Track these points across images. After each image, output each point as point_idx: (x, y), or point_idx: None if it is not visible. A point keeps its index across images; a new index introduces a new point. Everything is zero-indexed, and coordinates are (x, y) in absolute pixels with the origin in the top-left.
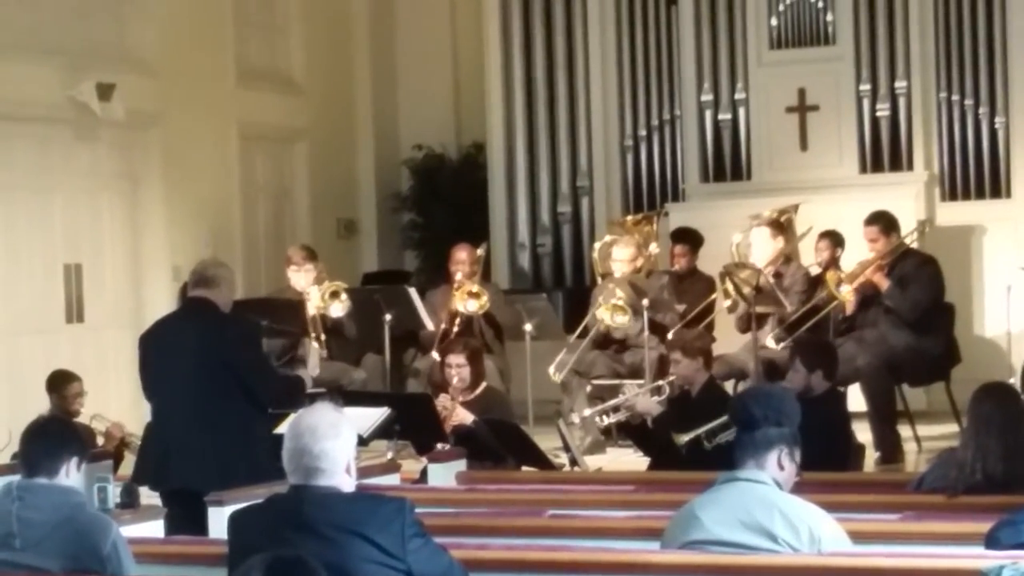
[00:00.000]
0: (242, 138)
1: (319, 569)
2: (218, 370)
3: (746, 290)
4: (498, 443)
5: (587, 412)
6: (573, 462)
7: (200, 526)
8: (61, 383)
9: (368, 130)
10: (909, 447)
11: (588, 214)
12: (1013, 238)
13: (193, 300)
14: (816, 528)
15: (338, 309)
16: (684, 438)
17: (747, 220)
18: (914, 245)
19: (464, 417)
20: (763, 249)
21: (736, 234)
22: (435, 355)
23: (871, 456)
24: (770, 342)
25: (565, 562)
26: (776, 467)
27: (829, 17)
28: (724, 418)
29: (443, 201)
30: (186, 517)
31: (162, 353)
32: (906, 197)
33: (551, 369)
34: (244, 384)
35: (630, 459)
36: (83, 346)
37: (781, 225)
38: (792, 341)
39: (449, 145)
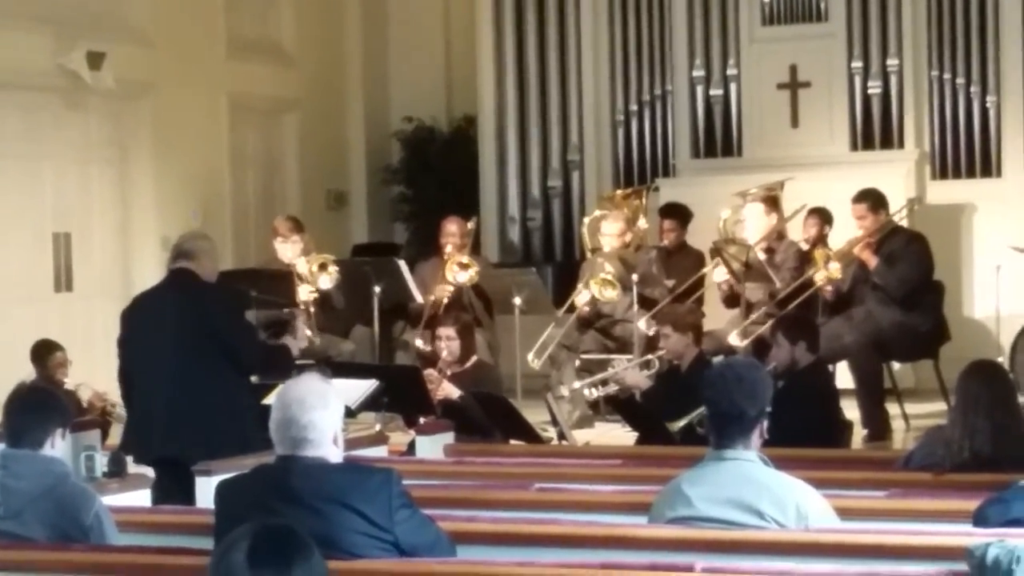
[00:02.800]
0: (232, 108)
1: (307, 539)
2: (202, 340)
3: (735, 265)
4: (486, 417)
5: (576, 385)
6: (561, 436)
7: (188, 496)
8: (44, 353)
9: (359, 102)
10: (897, 425)
11: (578, 188)
12: (1003, 217)
13: (175, 272)
14: (803, 504)
15: (326, 281)
16: (677, 425)
17: (734, 197)
18: (903, 223)
19: (450, 391)
20: (756, 225)
21: (724, 210)
22: (419, 343)
23: (859, 433)
24: (733, 339)
25: (552, 535)
26: (758, 439)
27: None
28: None
29: (433, 174)
30: (174, 487)
31: (145, 326)
32: (897, 175)
33: (530, 356)
34: (227, 350)
35: (618, 433)
36: (71, 315)
37: (775, 201)
38: (777, 320)
39: (440, 117)
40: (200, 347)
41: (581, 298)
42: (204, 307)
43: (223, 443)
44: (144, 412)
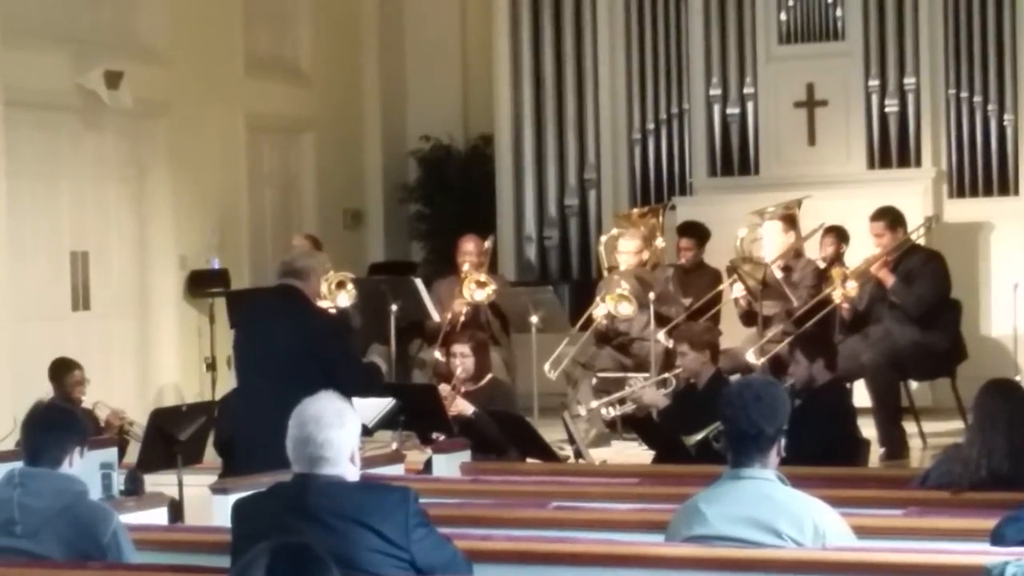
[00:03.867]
0: (249, 128)
1: (325, 556)
2: (303, 359)
3: (751, 283)
4: (502, 435)
5: (594, 404)
6: (578, 454)
7: None
8: (62, 371)
9: (376, 121)
10: (914, 443)
11: (595, 207)
12: (1020, 235)
13: (284, 287)
14: (820, 522)
15: (344, 299)
16: (693, 439)
17: (751, 216)
18: (920, 241)
19: (464, 408)
20: (774, 243)
21: (742, 229)
22: (438, 354)
23: (876, 452)
24: (750, 356)
25: (569, 554)
26: (776, 457)
27: (838, 12)
28: None
29: (450, 192)
30: None
31: (249, 332)
32: (914, 194)
33: (547, 366)
34: (331, 376)
35: (635, 452)
36: (89, 334)
37: (792, 220)
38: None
39: (456, 136)
40: (300, 365)
41: (598, 311)
42: (313, 331)
43: None
44: (244, 423)
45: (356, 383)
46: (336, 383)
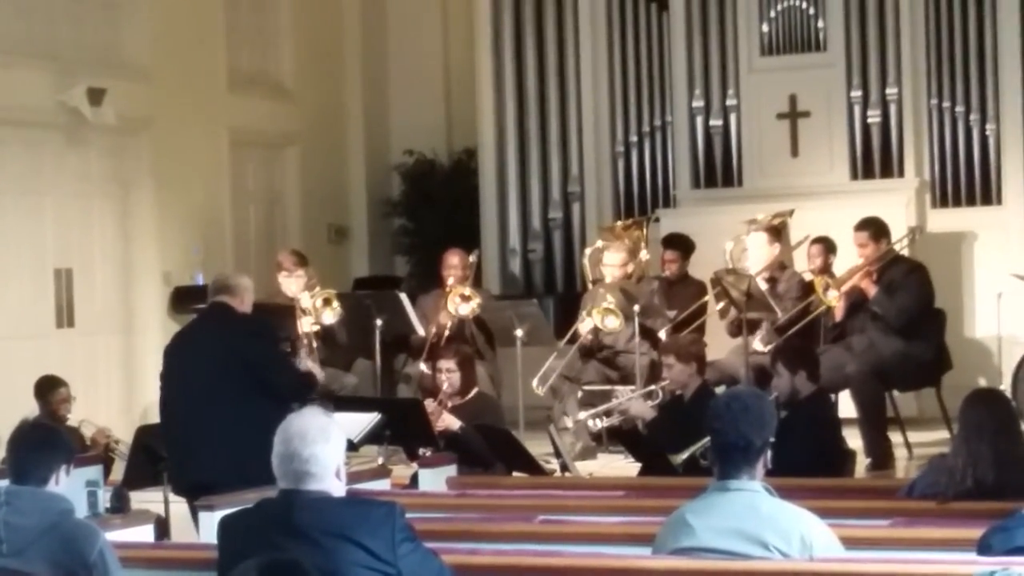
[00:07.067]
0: (233, 144)
1: (313, 573)
2: (238, 368)
3: (735, 294)
4: (488, 449)
5: (581, 415)
6: (564, 468)
7: None
8: (48, 389)
9: (359, 135)
10: (900, 453)
11: (579, 220)
12: (1004, 245)
13: (213, 305)
14: (808, 534)
15: (329, 316)
16: (679, 458)
17: (742, 225)
18: (904, 252)
19: (450, 423)
20: (758, 254)
21: (728, 241)
22: (423, 366)
23: (862, 462)
24: (758, 344)
25: (556, 567)
26: (762, 468)
27: (820, 24)
28: None
29: (434, 207)
30: None
31: (183, 357)
32: (897, 204)
33: (535, 382)
34: (263, 379)
35: (621, 465)
36: (73, 351)
37: (777, 231)
38: (779, 344)
39: (440, 150)
40: (235, 377)
41: (584, 326)
42: (239, 339)
43: (257, 472)
44: (182, 441)
45: (287, 387)
46: (269, 386)
